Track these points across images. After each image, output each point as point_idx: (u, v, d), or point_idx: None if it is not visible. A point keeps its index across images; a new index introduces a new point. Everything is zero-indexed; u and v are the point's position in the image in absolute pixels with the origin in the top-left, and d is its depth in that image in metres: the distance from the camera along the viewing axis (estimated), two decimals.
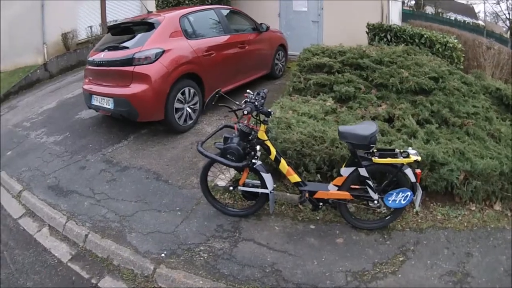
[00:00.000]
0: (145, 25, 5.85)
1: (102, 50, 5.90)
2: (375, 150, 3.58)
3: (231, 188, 3.98)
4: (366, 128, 3.51)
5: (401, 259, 3.52)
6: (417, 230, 3.92)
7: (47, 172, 5.21)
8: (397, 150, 3.59)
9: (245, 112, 3.38)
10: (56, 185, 4.88)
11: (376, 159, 3.50)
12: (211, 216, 4.09)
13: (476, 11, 34.23)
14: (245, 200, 4.13)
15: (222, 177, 4.46)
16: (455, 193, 4.23)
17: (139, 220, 4.07)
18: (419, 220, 4.06)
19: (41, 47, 11.28)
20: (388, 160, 3.50)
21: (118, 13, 12.76)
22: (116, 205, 4.34)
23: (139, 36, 5.73)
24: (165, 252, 3.60)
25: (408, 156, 3.48)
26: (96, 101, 5.82)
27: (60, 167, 5.29)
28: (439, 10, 32.14)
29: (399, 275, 3.34)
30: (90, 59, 6.02)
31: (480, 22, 30.96)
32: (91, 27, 12.36)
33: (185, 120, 5.83)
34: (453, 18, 28.93)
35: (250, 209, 4.05)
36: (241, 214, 4.06)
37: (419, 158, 3.49)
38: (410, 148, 3.68)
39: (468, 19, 30.53)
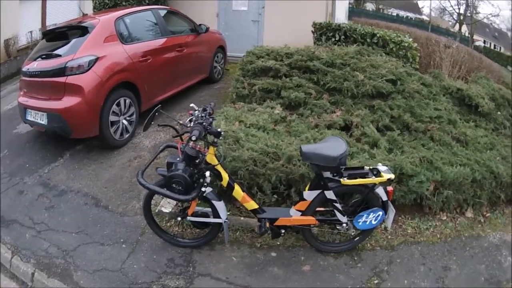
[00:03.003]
0: (79, 30, 5.79)
1: (36, 59, 5.77)
2: (343, 170, 3.55)
3: (179, 218, 3.89)
4: (334, 147, 3.48)
5: (376, 281, 3.63)
6: (388, 248, 4.05)
7: None
8: (366, 168, 3.60)
9: (193, 138, 3.24)
10: None
11: (345, 181, 3.47)
12: (159, 248, 4.03)
13: (420, 6, 36.32)
14: (195, 228, 4.09)
15: (166, 202, 4.40)
16: (424, 204, 4.42)
17: (83, 255, 3.96)
18: (389, 237, 4.21)
19: None
20: (359, 181, 3.50)
21: (59, 16, 12.63)
22: (57, 237, 4.23)
23: (72, 42, 5.62)
24: None
25: (379, 174, 3.50)
26: (31, 115, 5.66)
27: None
28: (380, 6, 33.81)
29: None
30: (24, 69, 5.86)
31: (424, 17, 32.86)
32: (31, 32, 12.26)
33: (121, 134, 5.80)
34: (395, 14, 30.54)
35: (202, 239, 4.00)
36: (192, 244, 4.01)
37: (392, 176, 3.50)
38: (379, 164, 3.71)
39: (411, 15, 32.36)
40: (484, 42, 30.33)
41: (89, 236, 4.22)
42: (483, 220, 4.66)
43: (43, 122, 5.47)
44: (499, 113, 6.42)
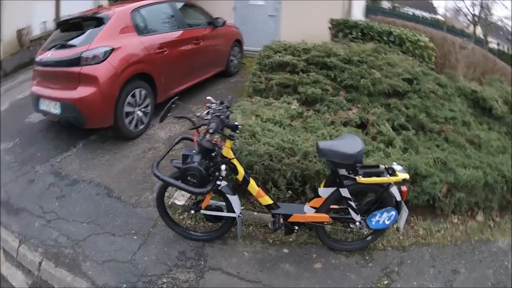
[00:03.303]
0: (94, 20, 5.73)
1: (50, 49, 5.74)
2: (359, 168, 3.48)
3: (192, 211, 3.83)
4: (351, 144, 3.42)
5: (386, 282, 3.57)
6: (399, 248, 4.00)
7: None
8: (382, 167, 3.54)
9: (211, 131, 3.17)
10: (6, 201, 4.72)
11: (360, 179, 3.40)
12: (171, 240, 3.97)
13: (435, 5, 35.94)
14: (208, 222, 4.02)
15: (180, 195, 4.35)
16: (437, 205, 4.35)
17: (93, 245, 3.92)
18: (401, 237, 4.15)
19: None
20: (374, 180, 3.43)
21: (73, 7, 12.48)
22: (67, 227, 4.18)
23: (88, 32, 5.57)
24: (124, 286, 3.47)
25: (394, 173, 3.44)
26: (44, 105, 5.65)
27: (10, 179, 5.12)
28: (396, 5, 33.46)
29: None
30: (38, 59, 5.86)
31: (440, 17, 32.50)
32: (45, 22, 12.15)
33: (136, 125, 5.77)
34: (411, 13, 30.21)
35: (214, 233, 3.94)
36: (205, 238, 3.95)
37: (407, 176, 3.44)
38: (394, 163, 3.63)
39: (426, 14, 32.00)
40: (498, 44, 30.01)
41: (100, 227, 4.18)
42: (493, 225, 4.61)
43: (56, 112, 5.45)
44: None
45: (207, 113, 3.46)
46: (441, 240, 4.19)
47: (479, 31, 28.86)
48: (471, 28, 29.18)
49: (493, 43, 28.77)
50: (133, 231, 4.09)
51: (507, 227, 4.60)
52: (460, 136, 5.12)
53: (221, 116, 3.34)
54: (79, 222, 4.25)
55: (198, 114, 3.58)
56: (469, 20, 30.51)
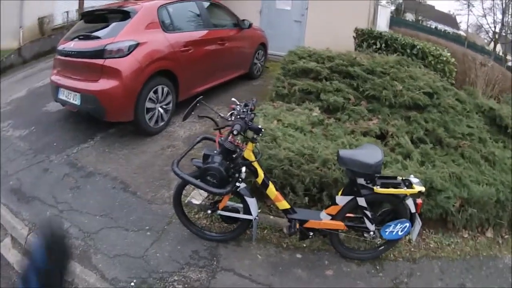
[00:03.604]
0: (120, 14, 5.73)
1: (73, 39, 5.75)
2: (376, 178, 3.48)
3: (209, 211, 3.83)
4: (371, 154, 3.41)
5: None
6: (410, 260, 3.98)
7: (10, 172, 5.03)
8: (399, 178, 3.52)
9: (235, 132, 3.16)
10: (18, 188, 4.71)
11: (377, 189, 3.39)
12: (185, 239, 3.96)
13: (458, 21, 35.67)
14: (224, 222, 4.01)
15: (197, 194, 4.35)
16: (449, 219, 4.33)
17: (105, 239, 3.91)
18: (412, 249, 4.12)
19: (18, 31, 11.29)
20: (391, 191, 3.41)
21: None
22: (80, 218, 4.17)
23: (113, 25, 5.61)
24: (134, 281, 3.45)
25: (411, 185, 3.43)
26: (63, 95, 5.64)
27: (23, 167, 5.13)
28: (419, 18, 33.21)
29: None
30: (60, 48, 5.86)
31: (461, 32, 32.22)
32: (67, 12, 12.32)
33: (156, 122, 5.74)
34: (433, 27, 29.98)
35: (229, 234, 3.94)
36: (219, 239, 3.94)
37: (423, 189, 3.44)
38: (411, 175, 3.62)
39: (448, 29, 31.75)
40: None
41: (113, 220, 4.17)
42: (501, 241, 4.56)
43: (76, 102, 5.43)
44: None
45: (231, 115, 3.46)
46: (451, 254, 4.16)
47: (499, 48, 28.55)
48: (491, 45, 28.89)
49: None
50: (147, 227, 4.07)
51: None
52: (476, 153, 5.06)
53: (245, 118, 3.34)
54: (92, 215, 4.23)
55: (222, 114, 3.59)
56: (489, 37, 30.24)
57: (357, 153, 3.51)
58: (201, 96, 3.70)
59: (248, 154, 3.49)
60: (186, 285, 3.45)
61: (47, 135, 5.86)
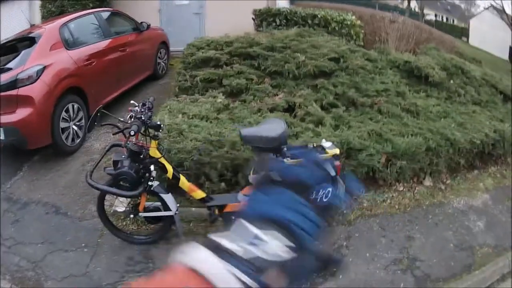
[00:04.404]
0: (28, 40, 5.90)
1: None
2: (285, 150, 3.57)
3: (131, 215, 3.97)
4: (273, 128, 3.51)
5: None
6: (344, 223, 4.17)
7: None
8: (310, 146, 3.68)
9: (131, 133, 3.26)
10: None
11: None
12: (118, 248, 4.07)
13: None
14: (150, 224, 4.15)
15: (120, 201, 4.48)
16: (378, 176, 4.56)
17: (50, 264, 3.98)
18: (344, 212, 4.23)
19: None
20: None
21: (12, 30, 12.39)
22: (26, 250, 4.24)
23: (22, 53, 5.69)
24: None
25: (324, 150, 3.54)
26: None
27: None
28: None
29: (340, 276, 3.52)
30: None
31: None
32: None
33: (72, 140, 5.85)
34: None
35: (156, 234, 4.06)
36: (149, 241, 4.07)
37: (337, 151, 3.54)
38: (323, 140, 3.74)
39: None
40: (436, 16, 31.19)
41: (53, 245, 4.24)
42: (444, 187, 4.83)
43: (1, 138, 5.48)
44: (451, 81, 6.63)
45: (130, 117, 3.57)
46: (388, 210, 4.37)
47: (414, 4, 29.84)
48: (406, 3, 30.13)
49: (431, 15, 29.94)
50: (83, 244, 4.17)
51: (461, 188, 4.86)
52: (394, 107, 5.37)
53: (142, 118, 3.46)
54: (35, 244, 4.29)
55: (121, 119, 3.70)
56: None
57: (259, 130, 3.64)
58: (101, 106, 3.84)
59: (154, 152, 3.62)
60: None
61: None
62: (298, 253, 0.97)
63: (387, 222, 4.20)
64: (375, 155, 4.43)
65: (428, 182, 4.87)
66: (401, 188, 4.72)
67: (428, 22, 19.20)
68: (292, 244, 0.96)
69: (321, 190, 3.62)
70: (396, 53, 7.14)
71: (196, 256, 0.85)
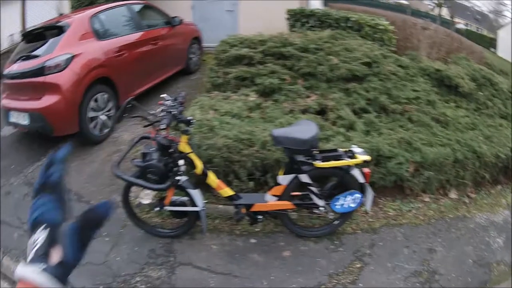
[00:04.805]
0: (55, 29, 5.91)
1: (16, 61, 5.90)
2: (316, 153, 3.56)
3: (157, 208, 3.90)
4: (305, 130, 3.51)
5: (358, 265, 3.64)
6: (369, 231, 4.08)
7: None
8: (340, 150, 3.62)
9: (161, 127, 3.27)
10: None
11: (318, 164, 3.47)
12: (141, 239, 4.05)
13: None
14: (174, 218, 4.08)
15: (145, 194, 4.45)
16: (405, 185, 4.43)
17: None
18: (370, 220, 4.23)
19: None
20: (333, 163, 3.48)
21: (39, 18, 12.54)
22: None
23: (50, 41, 5.74)
24: (101, 287, 3.54)
25: (354, 156, 3.52)
26: (13, 117, 5.81)
27: None
28: None
29: (360, 284, 3.45)
30: (5, 72, 5.99)
31: (403, 1, 33.02)
32: (12, 35, 12.33)
33: (100, 129, 5.92)
34: None
35: (181, 228, 4.02)
36: (172, 234, 4.03)
37: (368, 158, 3.53)
38: (354, 146, 3.72)
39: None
40: (466, 25, 30.65)
41: None
42: (468, 201, 4.68)
43: (25, 123, 5.59)
44: (480, 93, 6.43)
45: (161, 110, 3.53)
46: (413, 220, 4.25)
47: (445, 12, 29.38)
48: (437, 10, 29.68)
49: (461, 24, 29.42)
50: (104, 233, 4.13)
51: (484, 203, 4.70)
52: (424, 115, 5.23)
53: (173, 112, 3.42)
54: None
55: (152, 112, 3.64)
56: (434, 2, 31.04)
57: (291, 131, 3.61)
58: (131, 97, 3.75)
59: (183, 146, 3.57)
60: (148, 285, 3.53)
61: (4, 160, 5.95)
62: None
63: (411, 233, 4.08)
64: (404, 163, 4.31)
65: (453, 194, 4.73)
66: (427, 199, 4.59)
67: (458, 31, 18.81)
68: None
69: (348, 196, 3.57)
70: (428, 60, 6.95)
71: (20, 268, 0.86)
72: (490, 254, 3.89)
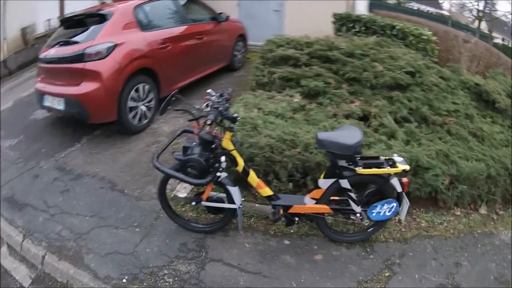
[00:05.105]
0: (97, 17, 5.88)
1: (53, 46, 5.92)
2: (358, 159, 3.53)
3: (193, 203, 3.88)
4: (349, 135, 3.46)
5: (387, 274, 3.60)
6: (401, 240, 4.03)
7: (2, 182, 5.15)
8: (382, 158, 3.58)
9: (208, 122, 3.23)
10: (11, 197, 4.85)
11: (360, 170, 3.45)
12: (173, 232, 4.04)
13: (440, 0, 35.85)
14: (210, 213, 4.09)
15: (183, 187, 4.45)
16: (439, 197, 4.38)
17: (96, 238, 4.00)
18: (403, 229, 4.18)
19: (1, 44, 11.19)
20: (374, 171, 3.47)
21: (77, 4, 12.64)
22: (71, 220, 4.28)
23: (91, 29, 5.76)
24: (126, 277, 3.53)
25: (394, 164, 3.50)
26: (48, 101, 5.84)
27: (14, 175, 5.26)
28: (401, 0, 33.36)
29: None
30: (41, 56, 6.03)
31: (445, 12, 32.42)
32: (49, 20, 12.37)
33: (140, 120, 5.92)
34: (415, 8, 30.14)
35: (215, 224, 4.00)
36: (206, 230, 4.02)
37: (407, 168, 3.51)
38: (395, 154, 3.69)
39: (431, 9, 31.97)
40: (503, 39, 30.02)
41: (103, 220, 4.26)
42: (496, 218, 4.61)
43: (60, 108, 5.61)
44: None
45: (207, 105, 3.52)
46: (444, 233, 4.20)
47: (484, 26, 28.84)
48: (476, 23, 29.15)
49: (498, 38, 28.82)
50: (135, 224, 4.16)
51: (510, 220, 4.61)
52: (462, 129, 5.14)
53: (219, 108, 3.40)
54: (83, 216, 4.33)
55: (197, 106, 3.63)
56: (474, 15, 30.49)
57: (336, 135, 3.57)
58: (176, 90, 3.77)
59: (226, 143, 3.55)
60: (176, 278, 3.51)
61: (35, 142, 6.02)
62: None
63: (441, 245, 4.02)
64: (440, 175, 4.25)
65: (483, 210, 4.64)
66: (458, 213, 4.52)
67: (496, 45, 18.42)
68: None
69: (385, 204, 3.54)
70: (468, 74, 6.82)
71: None
72: (510, 271, 3.82)
